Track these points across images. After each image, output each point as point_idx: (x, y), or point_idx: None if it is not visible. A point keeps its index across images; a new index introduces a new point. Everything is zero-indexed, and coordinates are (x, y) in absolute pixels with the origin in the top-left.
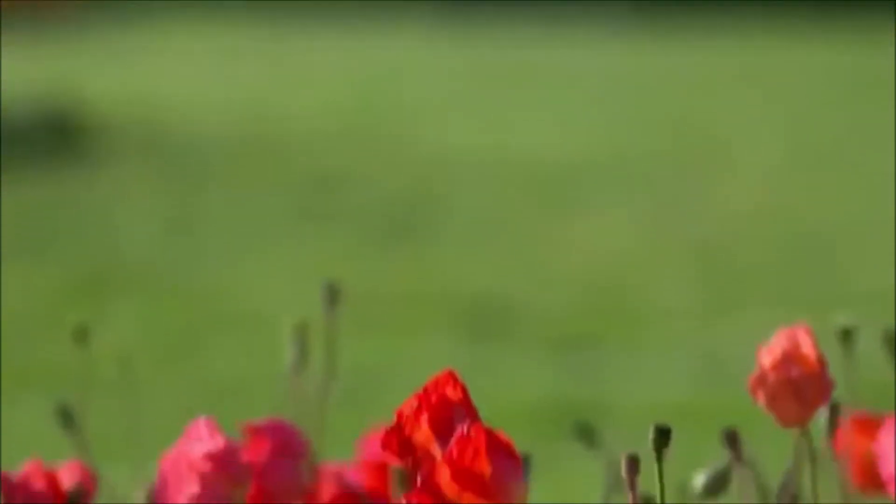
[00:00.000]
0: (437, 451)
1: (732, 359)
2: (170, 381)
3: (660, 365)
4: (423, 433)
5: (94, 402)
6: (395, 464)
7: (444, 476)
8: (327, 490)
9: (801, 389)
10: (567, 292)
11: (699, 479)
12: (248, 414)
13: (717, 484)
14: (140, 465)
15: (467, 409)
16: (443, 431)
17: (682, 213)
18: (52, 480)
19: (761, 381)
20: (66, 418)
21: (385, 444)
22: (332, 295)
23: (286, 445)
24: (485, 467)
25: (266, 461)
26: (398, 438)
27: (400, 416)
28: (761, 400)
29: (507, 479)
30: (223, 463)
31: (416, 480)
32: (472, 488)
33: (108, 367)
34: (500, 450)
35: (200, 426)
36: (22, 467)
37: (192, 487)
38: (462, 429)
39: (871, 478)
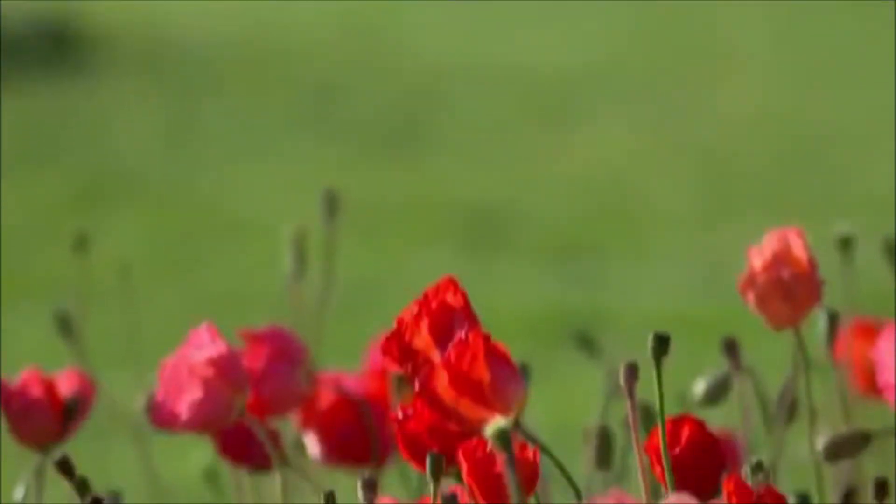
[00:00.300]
0: (436, 357)
1: (733, 267)
2: (168, 290)
3: (660, 274)
4: (422, 339)
5: (92, 311)
6: (394, 371)
7: (441, 381)
8: (326, 397)
9: (791, 290)
10: (567, 201)
11: (699, 387)
12: (247, 323)
13: (717, 392)
14: (139, 373)
15: (467, 316)
16: (443, 338)
17: (683, 121)
18: (49, 388)
19: (751, 282)
20: (65, 326)
21: (385, 351)
22: (331, 203)
23: (284, 352)
24: (483, 373)
25: (264, 367)
26: (398, 344)
27: (400, 322)
28: (751, 301)
29: (506, 386)
30: (225, 368)
31: (415, 387)
32: (470, 394)
33: (106, 277)
34: (498, 356)
35: (202, 332)
36: (20, 376)
37: (194, 393)
38: (461, 334)
39: (874, 384)
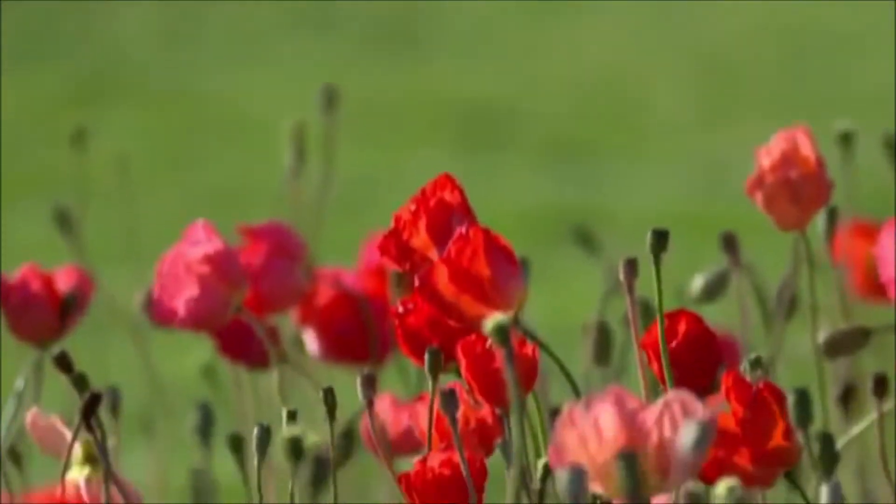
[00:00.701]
0: (434, 255)
1: (732, 166)
2: (167, 186)
3: (659, 173)
4: (420, 238)
5: (91, 208)
6: (392, 268)
7: (441, 277)
8: (325, 294)
9: (799, 191)
10: (566, 100)
11: (697, 283)
12: (246, 219)
13: (715, 287)
14: (138, 270)
15: (465, 213)
16: (440, 236)
17: (684, 22)
18: (48, 283)
19: (759, 182)
20: (63, 222)
21: (382, 249)
22: (330, 99)
23: (283, 248)
24: (483, 268)
25: (263, 263)
26: (396, 243)
27: (397, 220)
28: (759, 202)
29: (506, 281)
30: (221, 265)
31: (413, 285)
32: (470, 290)
33: (105, 173)
34: (498, 251)
35: (198, 229)
36: (19, 271)
37: (190, 290)
38: (461, 230)
39: (874, 284)
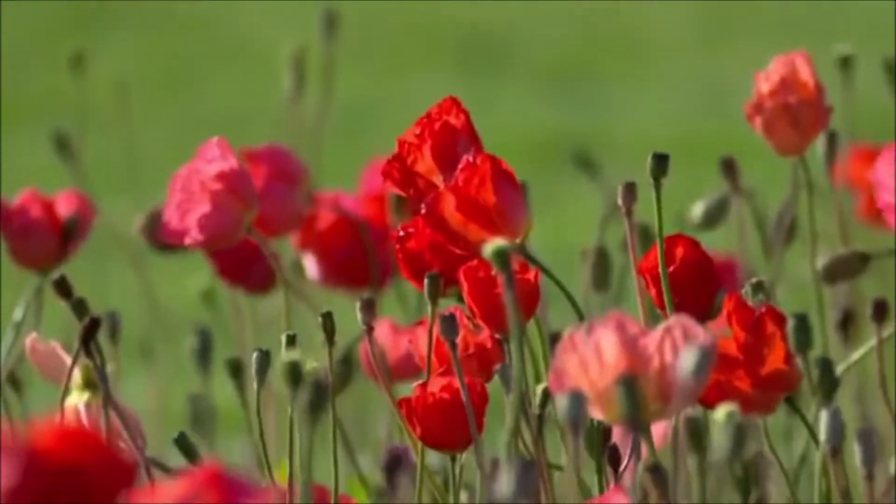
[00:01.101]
0: (439, 180)
1: (732, 90)
2: (167, 111)
3: (659, 97)
4: (425, 163)
5: (91, 133)
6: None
7: (448, 205)
8: (325, 219)
9: (797, 116)
10: (566, 24)
11: (697, 209)
12: (246, 144)
13: (715, 213)
14: (138, 195)
15: (470, 137)
16: (445, 160)
17: None
18: (48, 209)
19: (758, 107)
20: (64, 147)
21: (386, 174)
22: (330, 22)
23: (282, 171)
24: (490, 197)
25: (262, 186)
26: (399, 167)
27: (401, 144)
28: (758, 127)
29: (512, 209)
30: (235, 183)
31: (417, 210)
32: (477, 218)
33: (105, 98)
34: (505, 179)
35: (213, 146)
36: (19, 197)
37: (204, 207)
38: (467, 157)
39: (875, 207)
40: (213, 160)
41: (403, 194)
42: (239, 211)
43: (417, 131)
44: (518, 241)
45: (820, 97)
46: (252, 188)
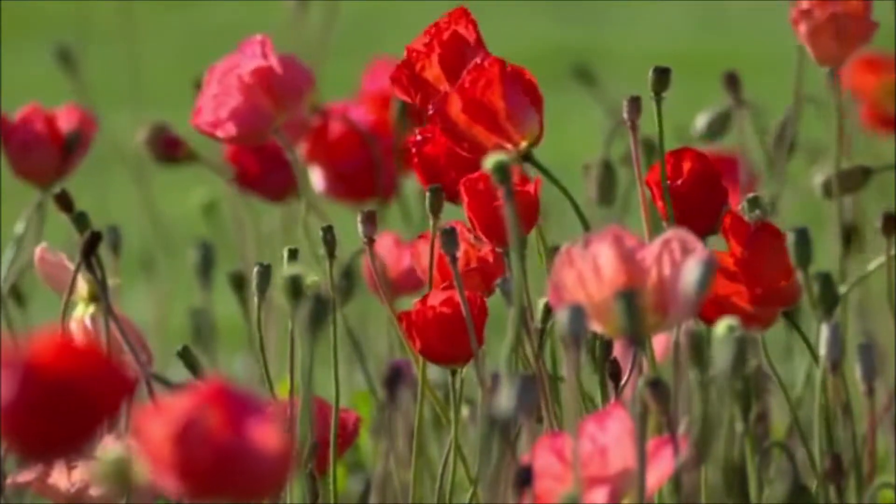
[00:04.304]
0: (447, 89)
1: (734, 6)
2: (170, 24)
3: (659, 11)
4: (433, 70)
5: (93, 48)
6: (396, 102)
7: (454, 106)
8: (334, 129)
9: (843, 27)
10: None
11: (699, 122)
12: None
13: (717, 126)
14: (139, 109)
15: (480, 49)
16: (454, 70)
17: None
18: (50, 123)
19: (806, 14)
20: (65, 61)
21: (394, 80)
22: None
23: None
24: (497, 100)
25: None
26: (407, 74)
27: (410, 52)
28: (801, 33)
29: (519, 114)
30: (271, 81)
31: (424, 117)
32: (482, 120)
33: (108, 11)
34: (514, 83)
35: (255, 43)
36: (21, 111)
37: (237, 101)
38: (476, 60)
39: (881, 116)
40: (254, 56)
41: (410, 101)
42: (272, 109)
43: (426, 40)
44: (524, 146)
45: (867, 10)
46: (287, 90)
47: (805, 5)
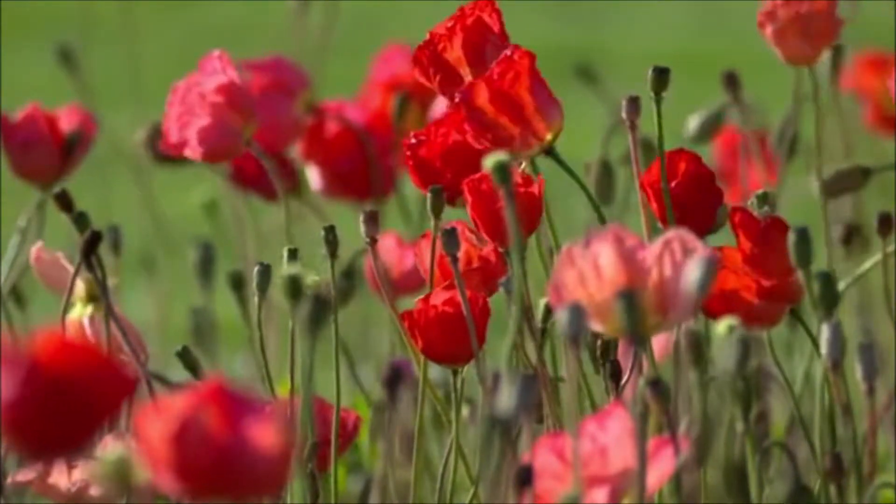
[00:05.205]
0: (467, 73)
1: (733, 6)
2: (171, 23)
3: (659, 11)
4: (454, 53)
5: (95, 47)
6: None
7: (481, 96)
8: (329, 129)
9: (808, 26)
10: None
11: (692, 121)
12: (250, 57)
13: (709, 126)
14: (140, 109)
15: (502, 38)
16: (475, 56)
17: None
18: (51, 123)
19: (770, 15)
20: (67, 61)
21: (415, 61)
22: None
23: (281, 82)
24: (524, 92)
25: (260, 96)
26: (429, 55)
27: (433, 34)
28: (768, 35)
29: (546, 107)
30: (234, 96)
31: (447, 97)
32: (508, 112)
33: (109, 11)
34: (541, 78)
35: (213, 60)
36: (22, 111)
37: (203, 120)
38: (506, 52)
39: (883, 117)
40: (214, 73)
41: (428, 83)
42: (238, 124)
43: (450, 24)
44: (548, 139)
45: (831, 8)
46: (251, 102)
47: (769, 6)
